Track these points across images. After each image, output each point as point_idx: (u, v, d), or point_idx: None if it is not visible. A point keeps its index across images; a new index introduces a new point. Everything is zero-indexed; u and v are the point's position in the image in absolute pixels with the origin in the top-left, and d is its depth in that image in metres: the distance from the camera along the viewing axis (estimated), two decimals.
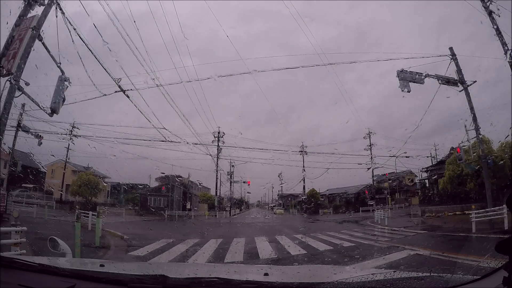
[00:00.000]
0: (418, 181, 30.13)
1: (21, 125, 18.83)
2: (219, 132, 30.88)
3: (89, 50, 11.07)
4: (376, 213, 21.30)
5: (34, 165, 20.92)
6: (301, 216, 34.09)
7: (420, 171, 27.76)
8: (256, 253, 8.07)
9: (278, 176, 44.82)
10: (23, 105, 18.13)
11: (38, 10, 9.62)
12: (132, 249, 8.57)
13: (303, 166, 36.43)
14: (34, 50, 9.52)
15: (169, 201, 30.19)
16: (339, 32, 74.59)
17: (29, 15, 9.54)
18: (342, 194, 40.22)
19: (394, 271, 1.63)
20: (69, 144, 26.20)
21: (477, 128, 14.88)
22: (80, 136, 25.65)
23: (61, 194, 25.64)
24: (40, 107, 10.83)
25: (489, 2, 13.12)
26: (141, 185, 32.09)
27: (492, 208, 11.69)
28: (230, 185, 36.90)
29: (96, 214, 10.53)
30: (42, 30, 9.70)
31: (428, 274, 1.22)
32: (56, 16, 9.87)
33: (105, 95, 13.19)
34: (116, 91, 12.86)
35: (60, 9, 9.93)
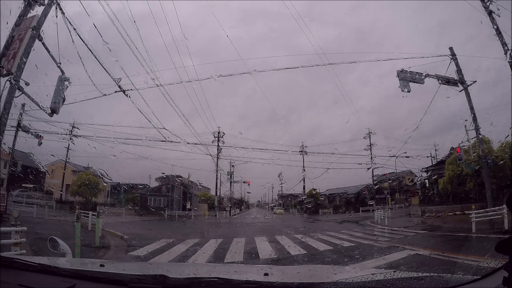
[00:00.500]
0: (418, 181, 30.11)
1: (21, 125, 18.84)
2: (219, 132, 30.89)
3: (89, 50, 11.10)
4: (376, 213, 21.32)
5: (34, 165, 20.91)
6: (301, 216, 34.09)
7: (420, 171, 27.74)
8: (256, 253, 8.06)
9: (278, 176, 44.87)
10: (23, 105, 18.17)
11: (38, 10, 9.63)
12: (132, 249, 8.56)
13: (303, 166, 36.47)
14: (34, 50, 9.52)
15: (169, 201, 30.19)
16: (339, 32, 74.63)
17: (29, 15, 9.54)
18: (342, 194, 40.22)
19: (394, 271, 1.63)
20: (69, 144, 26.23)
21: (477, 128, 14.87)
22: (80, 136, 25.69)
23: (61, 194, 25.65)
24: (40, 107, 10.83)
25: (489, 2, 13.12)
26: (141, 185, 32.10)
27: (492, 208, 11.69)
28: (230, 185, 36.91)
29: (96, 214, 10.53)
30: (42, 30, 9.71)
31: (428, 274, 1.22)
32: (56, 16, 9.88)
33: (105, 95, 13.21)
34: (116, 91, 12.89)
35: (60, 9, 9.94)
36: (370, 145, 34.24)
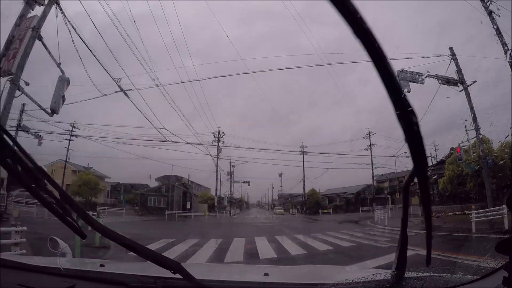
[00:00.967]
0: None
1: (21, 125, 18.85)
2: (219, 132, 30.90)
3: (89, 50, 11.10)
4: (376, 213, 21.32)
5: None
6: (301, 216, 34.08)
7: None
8: (256, 253, 8.07)
9: (279, 176, 44.88)
10: (23, 105, 18.20)
11: (38, 10, 9.63)
12: None
13: (303, 166, 36.47)
14: (34, 50, 9.52)
15: (169, 201, 30.20)
16: (339, 32, 74.57)
17: (29, 15, 9.53)
18: (342, 194, 40.23)
19: (394, 271, 1.63)
20: (69, 144, 26.26)
21: (477, 128, 14.87)
22: (80, 136, 25.70)
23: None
24: (40, 107, 10.83)
25: (489, 2, 13.11)
26: (141, 185, 32.10)
27: (492, 208, 11.70)
28: (230, 185, 36.92)
29: (96, 214, 10.53)
30: (42, 30, 9.70)
31: (428, 274, 1.22)
32: (56, 16, 9.88)
33: (105, 95, 13.21)
34: (116, 91, 12.89)
35: (60, 9, 9.93)
36: (370, 145, 34.28)
